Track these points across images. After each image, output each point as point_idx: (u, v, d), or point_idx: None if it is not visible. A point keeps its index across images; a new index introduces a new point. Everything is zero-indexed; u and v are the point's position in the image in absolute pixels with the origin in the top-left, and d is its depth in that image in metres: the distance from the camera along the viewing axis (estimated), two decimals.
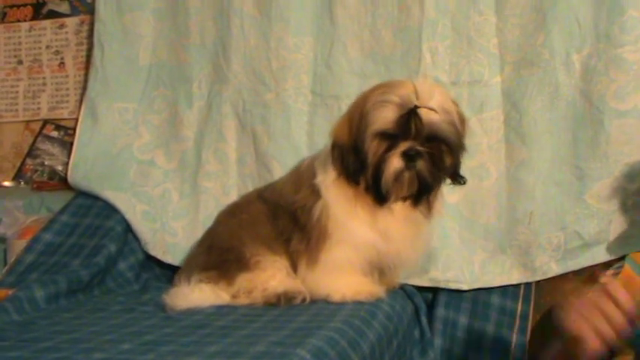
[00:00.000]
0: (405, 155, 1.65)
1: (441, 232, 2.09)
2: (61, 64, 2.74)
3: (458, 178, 1.79)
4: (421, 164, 1.66)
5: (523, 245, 2.05)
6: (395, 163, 1.66)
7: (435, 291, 2.12)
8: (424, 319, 2.03)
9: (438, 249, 2.09)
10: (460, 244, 2.12)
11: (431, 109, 1.62)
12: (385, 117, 1.64)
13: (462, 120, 1.75)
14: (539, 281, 2.06)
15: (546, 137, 2.06)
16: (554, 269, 2.03)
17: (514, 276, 2.06)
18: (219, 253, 1.87)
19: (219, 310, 1.71)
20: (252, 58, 2.36)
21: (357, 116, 1.71)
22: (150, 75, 2.50)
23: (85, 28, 2.70)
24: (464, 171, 1.99)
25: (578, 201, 2.01)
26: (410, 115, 1.61)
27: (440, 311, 2.06)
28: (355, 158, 1.70)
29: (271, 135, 2.31)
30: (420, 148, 1.65)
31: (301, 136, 2.30)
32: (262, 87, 2.34)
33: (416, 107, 1.60)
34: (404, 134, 1.64)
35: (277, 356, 1.26)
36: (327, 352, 1.33)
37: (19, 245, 2.28)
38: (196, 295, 1.76)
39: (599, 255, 2.00)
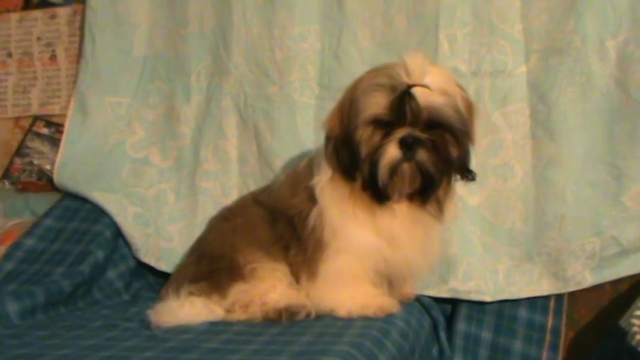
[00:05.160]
0: (402, 143, 1.51)
1: (461, 237, 1.99)
2: (53, 56, 2.65)
3: (466, 173, 1.64)
4: (422, 154, 1.52)
5: (553, 252, 1.95)
6: (391, 152, 1.52)
7: (454, 303, 2.01)
8: (443, 335, 1.91)
9: (457, 256, 1.99)
10: (482, 251, 2.00)
11: (425, 86, 1.47)
12: (377, 102, 1.52)
13: (469, 106, 1.61)
14: (572, 292, 1.96)
15: (578, 132, 1.95)
16: (589, 279, 1.91)
17: (543, 286, 1.95)
18: (210, 261, 1.75)
19: (212, 328, 1.58)
20: (255, 48, 2.26)
21: (348, 104, 1.59)
22: (145, 67, 2.40)
23: (78, 18, 2.59)
24: (486, 169, 1.99)
25: (616, 203, 1.91)
26: (403, 97, 1.47)
27: (460, 326, 1.94)
28: (348, 151, 1.57)
29: (275, 131, 2.21)
30: (419, 135, 1.50)
31: (307, 132, 2.19)
32: (265, 79, 2.24)
33: (409, 87, 1.46)
34: (399, 120, 1.50)
35: None
36: None
37: None
38: (186, 310, 1.63)
39: None
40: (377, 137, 1.53)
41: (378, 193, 1.57)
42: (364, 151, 1.54)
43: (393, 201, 1.60)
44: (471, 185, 1.92)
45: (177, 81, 2.34)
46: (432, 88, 1.48)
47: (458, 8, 2.06)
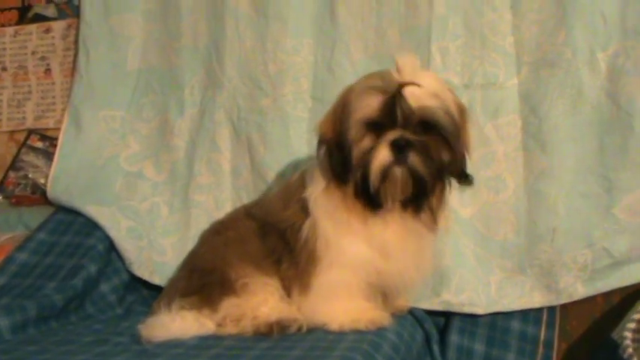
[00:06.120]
0: (393, 146, 1.49)
1: (453, 249, 1.98)
2: (48, 70, 2.65)
3: (463, 177, 1.63)
4: (414, 157, 1.50)
5: (545, 264, 1.93)
6: (382, 155, 1.50)
7: (447, 316, 1.99)
8: (436, 348, 1.89)
9: (450, 268, 1.97)
10: (475, 263, 1.99)
11: (415, 84, 1.47)
12: (368, 104, 1.51)
13: (462, 110, 1.61)
14: (564, 305, 1.94)
15: (569, 144, 1.94)
16: (581, 291, 1.90)
17: (535, 299, 1.94)
18: (201, 275, 1.73)
19: (203, 343, 1.55)
20: (248, 61, 2.26)
21: (341, 107, 1.58)
22: (138, 80, 2.39)
23: (73, 32, 2.60)
24: (477, 182, 1.91)
25: (607, 215, 1.89)
26: (394, 98, 1.46)
27: (453, 338, 1.92)
28: (340, 154, 1.56)
29: (268, 144, 2.20)
30: (410, 137, 1.49)
31: (301, 145, 2.18)
32: (259, 92, 2.23)
33: (400, 87, 1.45)
34: (391, 122, 1.49)
35: None
36: None
37: None
38: (177, 324, 1.60)
39: (632, 275, 1.87)
40: (368, 140, 1.53)
41: (370, 200, 1.56)
42: (355, 153, 1.53)
43: (386, 208, 1.58)
44: (463, 197, 1.97)
45: (171, 94, 2.34)
46: (423, 88, 1.47)
47: (450, 21, 2.06)
